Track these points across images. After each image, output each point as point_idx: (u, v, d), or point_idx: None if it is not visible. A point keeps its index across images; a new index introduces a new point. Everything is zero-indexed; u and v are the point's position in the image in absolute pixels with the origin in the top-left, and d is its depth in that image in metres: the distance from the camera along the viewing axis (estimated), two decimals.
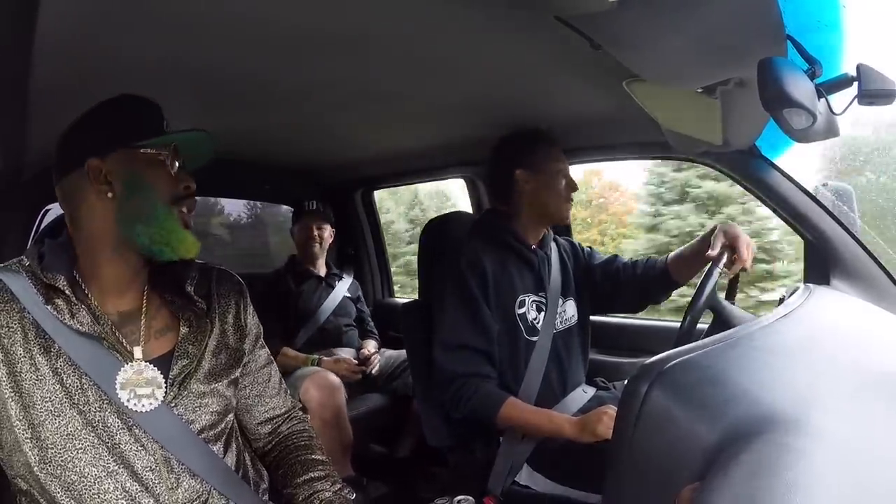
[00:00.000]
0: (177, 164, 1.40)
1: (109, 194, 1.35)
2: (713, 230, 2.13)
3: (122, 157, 1.36)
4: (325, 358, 3.39)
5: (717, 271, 1.95)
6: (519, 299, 2.30)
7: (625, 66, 1.69)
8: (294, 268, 3.77)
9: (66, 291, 1.30)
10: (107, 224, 1.36)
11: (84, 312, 1.31)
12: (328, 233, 3.82)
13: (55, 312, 1.28)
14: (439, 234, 2.62)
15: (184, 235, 1.39)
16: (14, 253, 1.40)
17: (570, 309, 2.45)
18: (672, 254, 2.45)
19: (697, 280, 2.01)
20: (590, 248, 2.66)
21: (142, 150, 1.36)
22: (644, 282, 2.46)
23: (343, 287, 3.86)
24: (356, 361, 3.47)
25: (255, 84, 2.14)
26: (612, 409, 1.90)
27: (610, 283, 2.52)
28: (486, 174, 3.03)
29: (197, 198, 1.48)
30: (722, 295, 2.02)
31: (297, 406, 1.78)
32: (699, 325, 1.89)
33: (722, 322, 1.93)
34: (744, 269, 2.06)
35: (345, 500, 1.55)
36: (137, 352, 1.37)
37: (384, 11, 1.59)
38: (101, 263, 1.38)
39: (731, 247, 2.04)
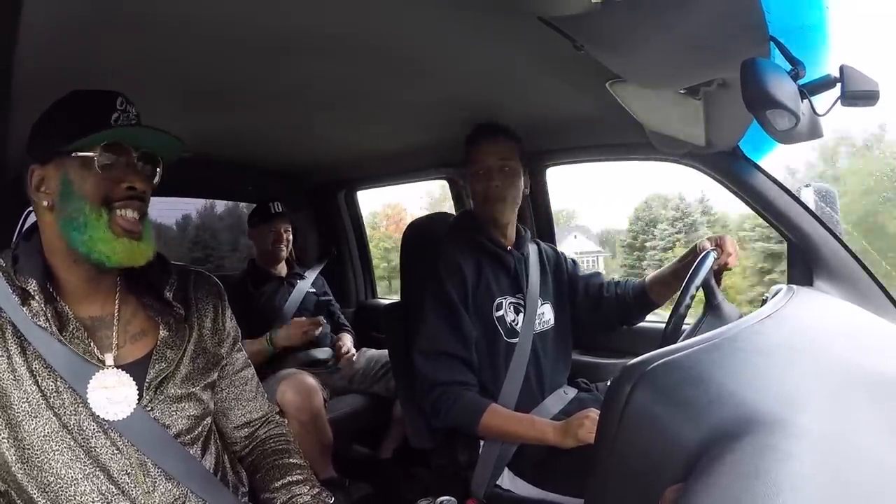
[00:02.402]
0: (113, 163, 1.33)
1: (46, 203, 1.33)
2: (693, 248, 2.19)
3: (59, 163, 1.33)
4: (279, 332, 3.31)
5: (712, 255, 1.97)
6: (496, 302, 2.29)
7: (608, 67, 1.69)
8: (254, 272, 3.70)
9: (36, 297, 1.28)
10: (53, 233, 1.34)
11: (54, 317, 1.29)
12: (290, 233, 3.76)
13: (29, 315, 1.26)
14: (421, 235, 2.62)
15: (116, 243, 1.32)
16: None
17: (547, 312, 2.44)
18: (650, 275, 2.47)
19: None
20: (573, 260, 2.66)
21: (74, 154, 1.32)
22: (623, 301, 2.48)
23: (305, 284, 3.80)
24: (308, 323, 3.38)
25: (238, 84, 2.13)
26: (594, 413, 1.91)
27: (592, 299, 2.54)
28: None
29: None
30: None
31: (275, 410, 1.77)
32: (685, 326, 1.89)
33: (713, 307, 1.93)
34: (727, 265, 2.08)
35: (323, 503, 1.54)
36: (109, 358, 1.35)
37: (367, 13, 1.58)
38: (61, 271, 1.36)
39: (719, 246, 2.07)
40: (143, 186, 1.36)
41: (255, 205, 3.78)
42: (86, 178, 1.31)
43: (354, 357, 3.54)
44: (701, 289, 1.90)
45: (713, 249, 2.01)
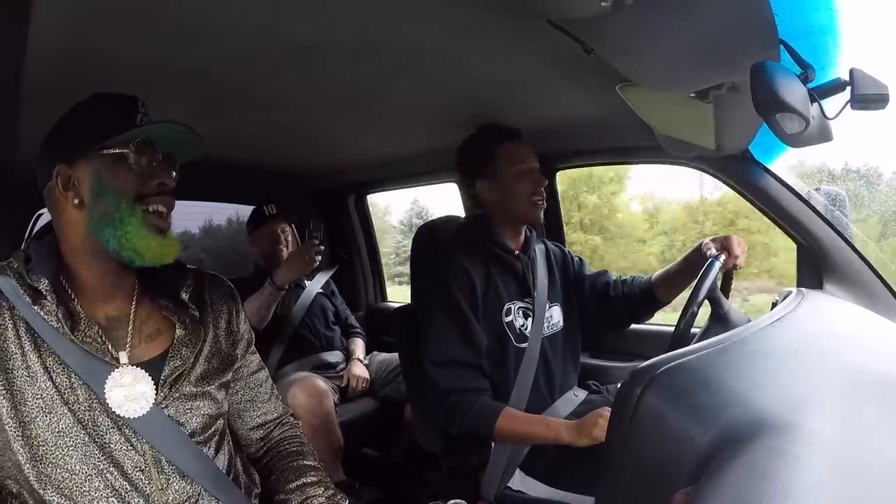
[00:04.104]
0: (145, 160, 1.36)
1: (76, 201, 1.34)
2: (698, 247, 2.16)
3: (89, 161, 1.34)
4: (277, 272, 3.24)
5: (717, 264, 1.94)
6: (505, 308, 2.29)
7: (618, 70, 1.69)
8: (260, 276, 3.53)
9: (48, 297, 1.29)
10: (81, 233, 1.35)
11: (66, 317, 1.30)
12: (290, 233, 3.71)
13: (42, 314, 1.28)
14: (430, 239, 2.62)
15: (151, 240, 1.35)
16: (6, 256, 1.38)
17: (555, 314, 2.44)
18: (657, 273, 2.45)
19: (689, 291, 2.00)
20: (580, 258, 2.65)
21: (105, 151, 1.34)
22: (630, 299, 2.47)
23: (314, 287, 3.76)
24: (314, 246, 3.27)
25: (248, 87, 2.13)
26: (607, 412, 1.90)
27: (597, 297, 2.52)
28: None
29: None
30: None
31: (289, 412, 1.77)
32: (694, 329, 1.88)
33: (719, 317, 1.93)
34: (736, 267, 2.07)
35: None
36: (123, 357, 1.36)
37: (376, 16, 1.58)
38: (82, 270, 1.37)
39: (725, 248, 2.05)
40: (172, 182, 1.40)
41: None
42: (119, 174, 1.34)
43: (365, 385, 3.52)
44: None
45: (717, 256, 1.99)
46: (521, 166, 2.33)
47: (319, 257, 3.29)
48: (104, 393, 1.30)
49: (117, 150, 1.34)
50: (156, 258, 1.37)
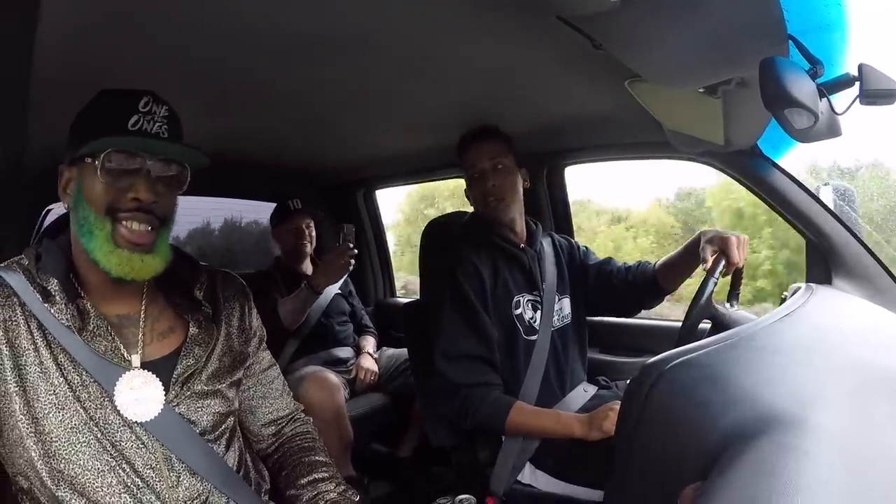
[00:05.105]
0: (116, 172, 1.29)
1: (65, 206, 1.35)
2: (698, 239, 2.07)
3: (77, 166, 1.32)
4: (316, 278, 3.27)
5: (712, 282, 1.90)
6: (514, 300, 2.30)
7: (626, 65, 1.69)
8: (280, 270, 3.63)
9: (58, 296, 1.29)
10: (75, 235, 1.34)
11: (75, 316, 1.29)
12: (313, 229, 3.72)
13: (53, 311, 1.27)
14: (439, 235, 2.62)
15: (116, 256, 1.29)
16: (15, 252, 1.39)
17: (565, 306, 2.45)
18: (660, 261, 2.42)
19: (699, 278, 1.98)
20: (586, 247, 2.65)
21: (86, 159, 1.30)
22: (634, 287, 2.45)
23: (333, 287, 3.69)
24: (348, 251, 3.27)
25: (257, 84, 2.14)
26: (618, 405, 1.90)
27: (602, 285, 2.51)
28: None
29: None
30: (723, 297, 2.00)
31: (300, 408, 1.78)
32: (702, 325, 1.88)
33: (722, 329, 1.91)
34: (740, 271, 2.02)
35: (350, 501, 1.54)
36: (135, 359, 1.35)
37: (384, 12, 1.59)
38: (84, 270, 1.36)
39: (722, 252, 1.96)
40: (151, 198, 1.31)
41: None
42: (92, 185, 1.29)
43: (373, 378, 3.53)
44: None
45: (713, 272, 1.92)
46: (470, 171, 2.41)
47: (354, 261, 3.29)
48: (114, 392, 1.30)
49: (89, 161, 1.29)
50: (124, 274, 1.30)
